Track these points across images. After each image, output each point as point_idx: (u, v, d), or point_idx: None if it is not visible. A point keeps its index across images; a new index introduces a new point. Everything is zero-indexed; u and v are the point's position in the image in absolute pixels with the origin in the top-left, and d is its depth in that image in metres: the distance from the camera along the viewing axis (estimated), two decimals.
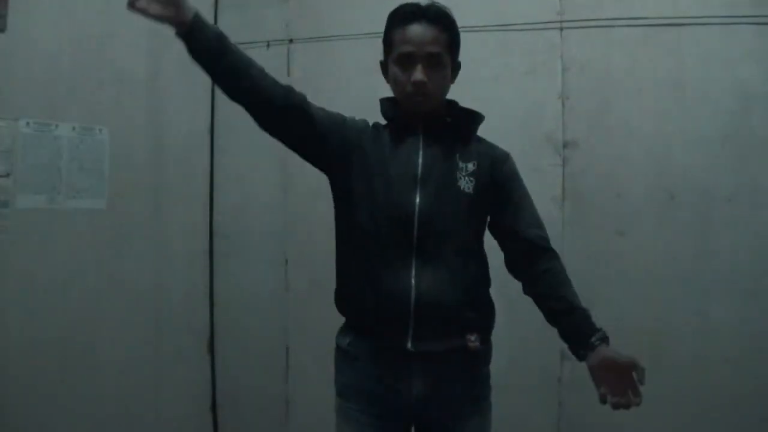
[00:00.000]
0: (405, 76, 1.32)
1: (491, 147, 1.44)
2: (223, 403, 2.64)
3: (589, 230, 2.19)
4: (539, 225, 1.39)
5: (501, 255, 1.56)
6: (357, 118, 1.43)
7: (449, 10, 1.36)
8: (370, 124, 1.43)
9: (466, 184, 1.35)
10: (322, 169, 1.42)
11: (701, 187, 2.09)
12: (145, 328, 2.34)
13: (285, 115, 1.32)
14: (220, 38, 1.25)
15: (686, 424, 2.07)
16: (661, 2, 2.14)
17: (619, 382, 1.19)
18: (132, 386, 2.26)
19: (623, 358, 1.20)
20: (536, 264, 1.35)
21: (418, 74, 1.30)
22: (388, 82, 1.39)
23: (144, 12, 1.19)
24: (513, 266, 1.39)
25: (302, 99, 1.34)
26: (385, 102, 1.43)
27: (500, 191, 1.38)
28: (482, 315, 1.38)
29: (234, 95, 1.31)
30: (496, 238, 1.41)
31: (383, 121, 1.43)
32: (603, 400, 1.19)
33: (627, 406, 1.18)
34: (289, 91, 1.33)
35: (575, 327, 1.28)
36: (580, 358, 1.26)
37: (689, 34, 2.11)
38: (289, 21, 2.56)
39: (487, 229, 1.43)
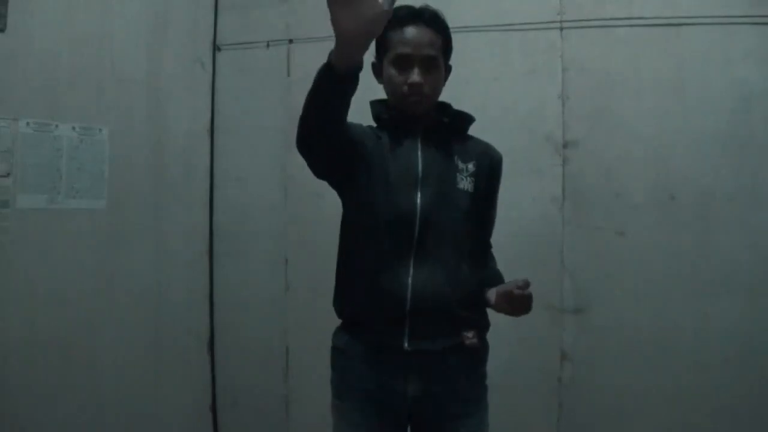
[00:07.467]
0: (401, 77, 1.32)
1: (487, 147, 1.45)
2: (223, 403, 2.64)
3: (589, 230, 2.18)
4: (492, 225, 1.51)
5: (502, 259, 1.55)
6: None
7: (442, 14, 1.37)
8: (368, 126, 1.42)
9: (467, 185, 1.36)
10: (339, 184, 1.40)
11: (701, 187, 2.09)
12: (145, 328, 2.34)
13: (343, 136, 1.27)
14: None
15: (686, 423, 2.07)
16: (661, 2, 2.14)
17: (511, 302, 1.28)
18: (132, 386, 2.26)
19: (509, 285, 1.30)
20: (489, 262, 1.50)
21: (416, 76, 1.31)
22: (380, 82, 1.39)
23: None
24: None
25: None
26: (375, 104, 1.43)
27: (487, 189, 1.42)
28: (478, 312, 1.39)
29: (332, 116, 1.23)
30: None
31: (374, 124, 1.43)
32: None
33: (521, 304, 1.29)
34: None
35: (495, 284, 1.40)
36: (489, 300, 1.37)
37: (689, 34, 2.10)
38: (289, 21, 2.56)
39: None
